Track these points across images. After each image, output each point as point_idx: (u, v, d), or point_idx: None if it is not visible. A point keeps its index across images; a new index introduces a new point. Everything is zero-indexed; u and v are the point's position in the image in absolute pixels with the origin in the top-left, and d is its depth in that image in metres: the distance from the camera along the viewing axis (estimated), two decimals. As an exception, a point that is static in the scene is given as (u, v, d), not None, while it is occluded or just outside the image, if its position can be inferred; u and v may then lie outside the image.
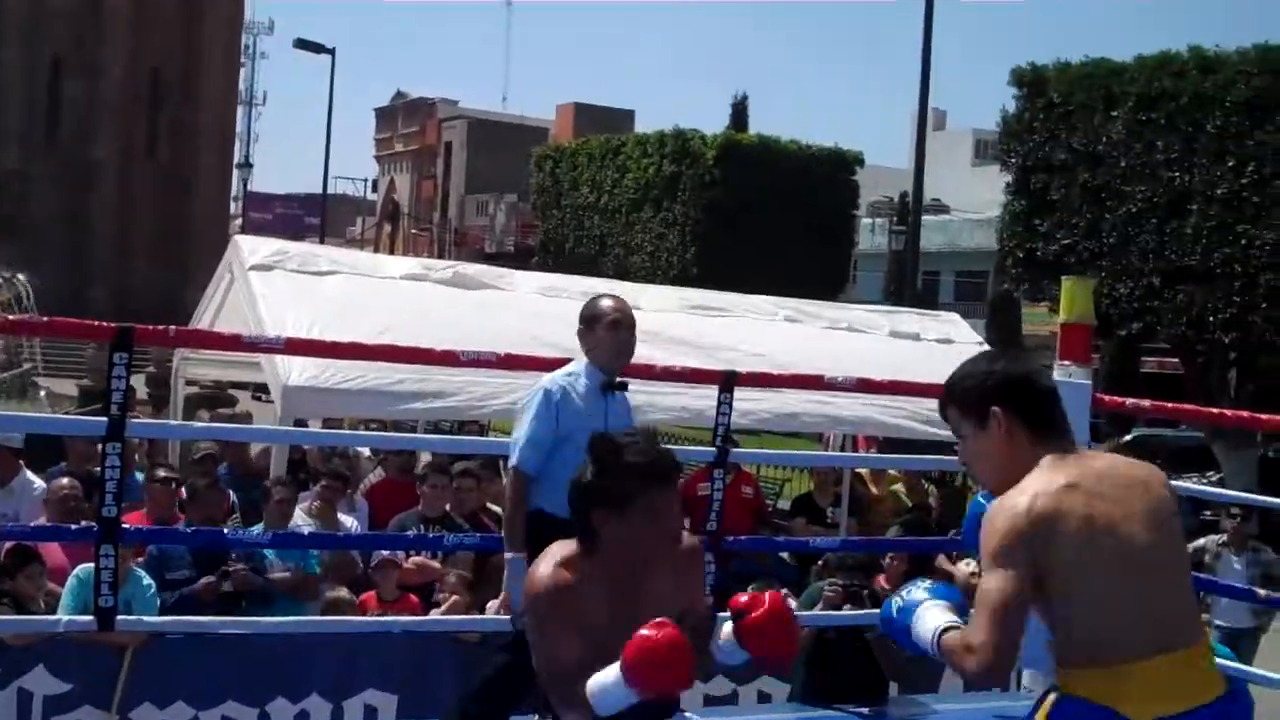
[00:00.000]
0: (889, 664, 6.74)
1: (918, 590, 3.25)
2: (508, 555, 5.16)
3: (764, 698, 7.19)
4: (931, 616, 3.15)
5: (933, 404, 8.57)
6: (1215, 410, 10.71)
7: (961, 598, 3.23)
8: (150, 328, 4.88)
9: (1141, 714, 2.93)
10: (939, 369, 7.97)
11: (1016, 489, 3.04)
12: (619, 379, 5.28)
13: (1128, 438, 22.61)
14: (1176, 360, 23.71)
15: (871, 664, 6.70)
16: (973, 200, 37.90)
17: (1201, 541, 10.52)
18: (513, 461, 5.19)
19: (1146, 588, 2.98)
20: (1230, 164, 19.86)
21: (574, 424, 4.99)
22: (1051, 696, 3.08)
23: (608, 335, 5.20)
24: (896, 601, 3.25)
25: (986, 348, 9.01)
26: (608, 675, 3.29)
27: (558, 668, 3.43)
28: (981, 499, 3.79)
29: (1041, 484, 3.02)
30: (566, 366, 5.28)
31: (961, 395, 3.24)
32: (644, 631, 3.22)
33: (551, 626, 3.43)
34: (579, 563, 3.45)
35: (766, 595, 3.51)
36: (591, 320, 5.24)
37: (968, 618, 3.10)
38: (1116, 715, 2.94)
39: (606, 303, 5.31)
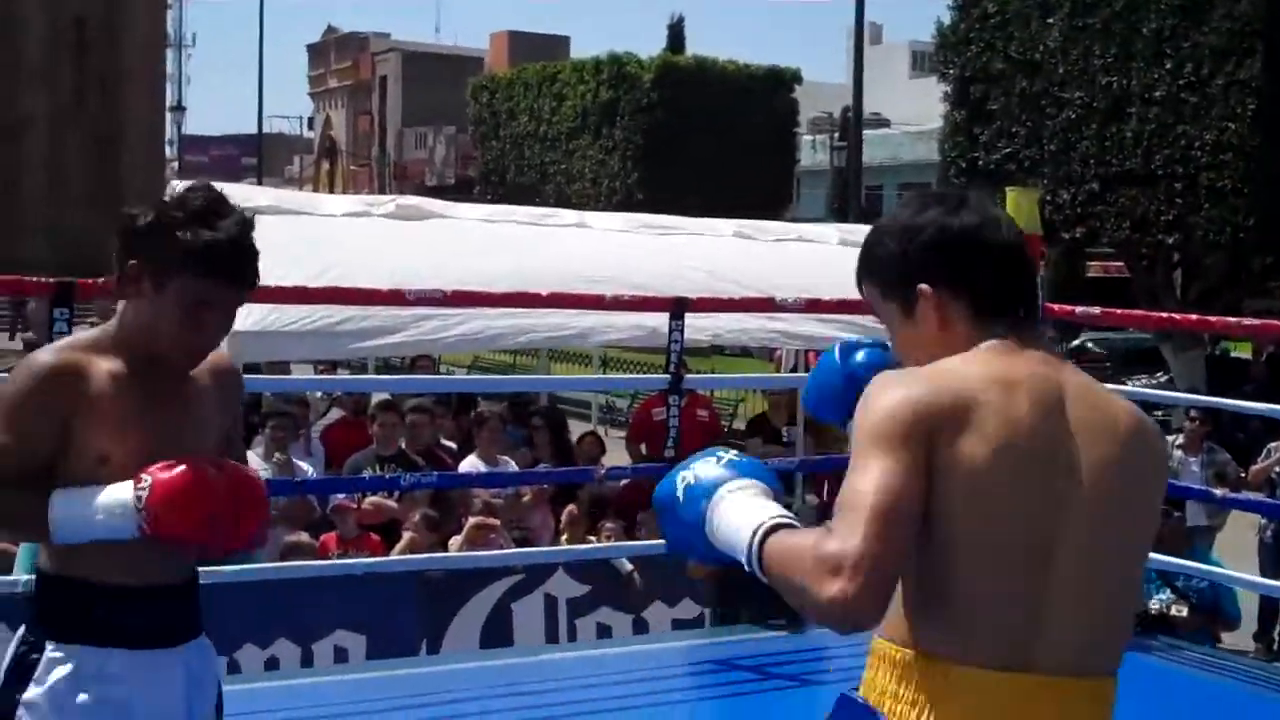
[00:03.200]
0: None
1: (710, 464, 2.11)
2: None
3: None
4: (742, 507, 2.02)
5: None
6: (1162, 315, 10.78)
7: (777, 481, 2.12)
8: (91, 281, 4.76)
9: None
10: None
11: (918, 369, 2.03)
12: None
13: (1075, 343, 22.80)
14: (1121, 264, 23.85)
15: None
16: (912, 113, 37.86)
17: (1158, 444, 10.71)
18: None
19: (1053, 570, 1.96)
20: (1167, 66, 19.86)
21: None
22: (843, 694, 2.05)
23: None
24: (682, 479, 2.10)
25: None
26: (102, 499, 2.61)
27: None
28: (839, 356, 2.71)
29: (963, 368, 2.00)
30: None
31: (877, 267, 2.15)
32: (160, 473, 2.58)
33: (19, 409, 2.66)
34: (98, 345, 2.73)
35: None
36: None
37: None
38: None
39: None
